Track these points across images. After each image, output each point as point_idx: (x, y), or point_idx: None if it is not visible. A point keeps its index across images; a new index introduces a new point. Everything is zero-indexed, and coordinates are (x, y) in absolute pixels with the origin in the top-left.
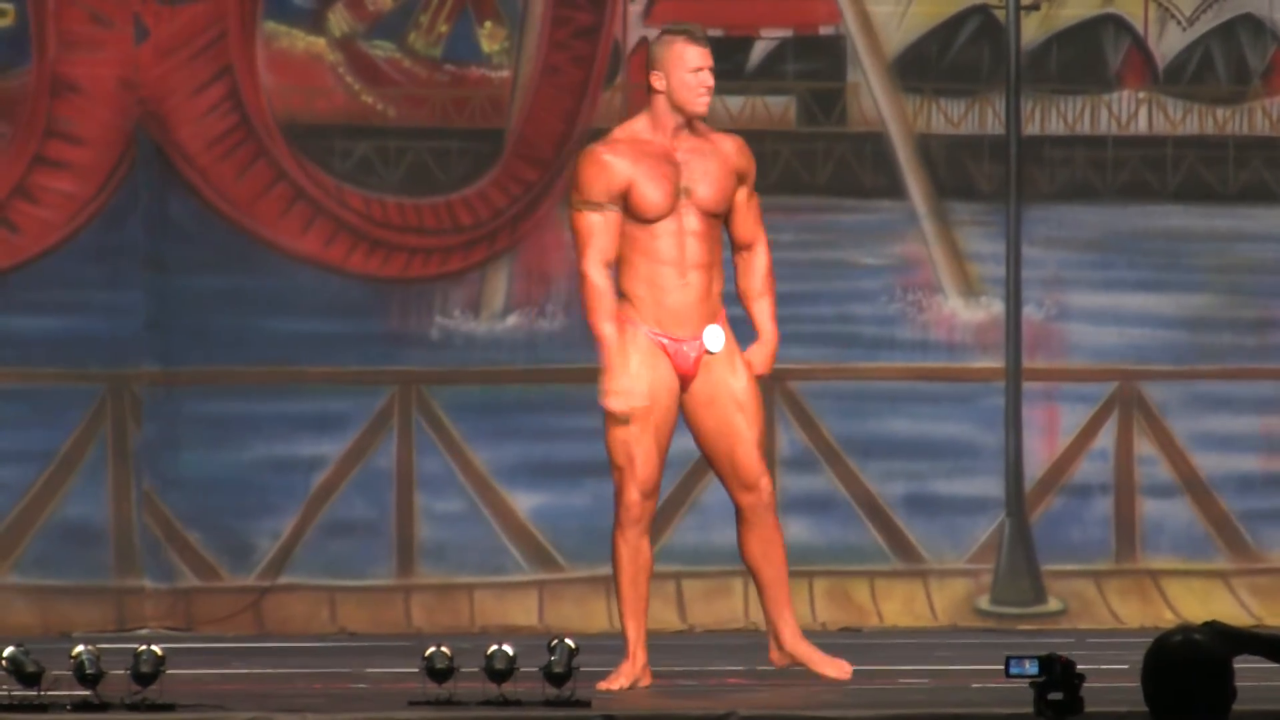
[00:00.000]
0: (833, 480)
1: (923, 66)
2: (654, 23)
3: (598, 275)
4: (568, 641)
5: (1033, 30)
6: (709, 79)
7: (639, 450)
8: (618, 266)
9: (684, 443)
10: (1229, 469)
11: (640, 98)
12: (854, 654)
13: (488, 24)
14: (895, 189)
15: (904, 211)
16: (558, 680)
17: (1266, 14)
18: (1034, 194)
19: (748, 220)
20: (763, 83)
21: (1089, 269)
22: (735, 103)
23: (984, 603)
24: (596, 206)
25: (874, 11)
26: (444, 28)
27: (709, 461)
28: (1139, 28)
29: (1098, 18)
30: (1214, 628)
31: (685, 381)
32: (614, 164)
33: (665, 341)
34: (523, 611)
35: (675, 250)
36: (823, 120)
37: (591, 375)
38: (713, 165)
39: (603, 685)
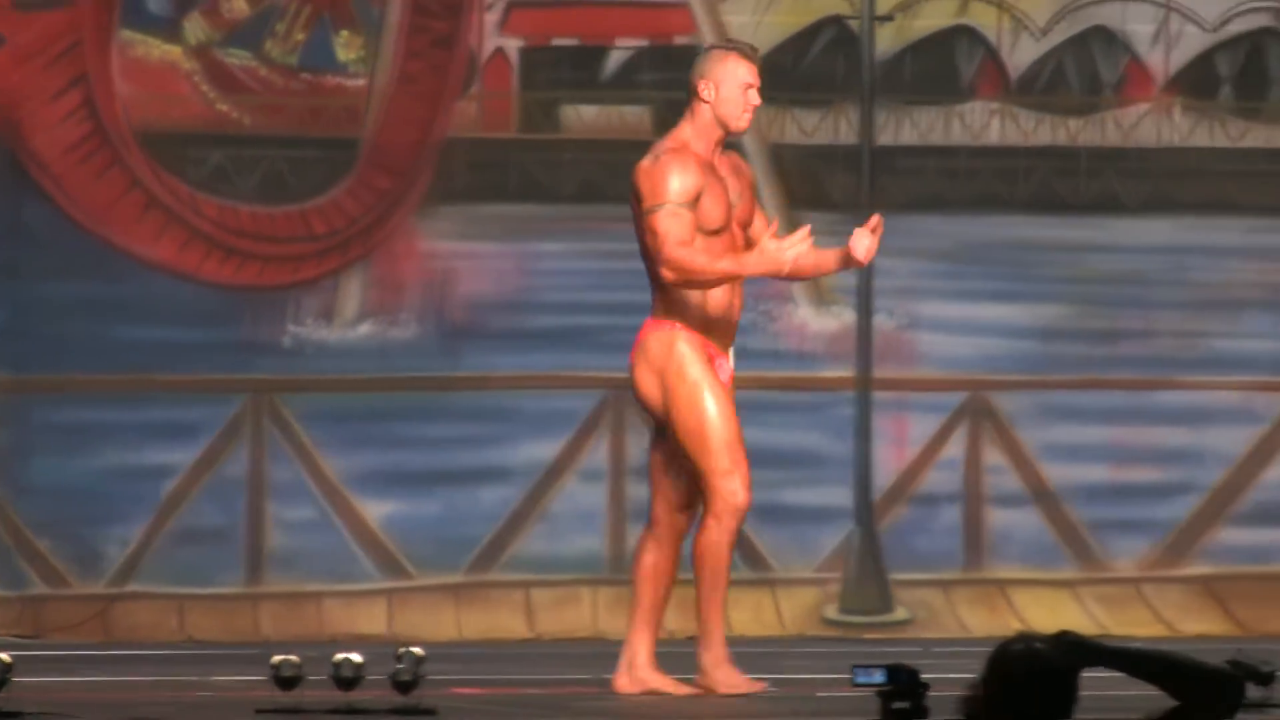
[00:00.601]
0: None
1: (777, 76)
2: (510, 32)
3: (681, 250)
4: (415, 650)
5: (887, 41)
6: (756, 98)
7: (740, 449)
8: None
9: (535, 452)
10: (1078, 479)
11: (498, 106)
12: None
13: (344, 33)
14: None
15: None
16: (405, 688)
17: (1119, 25)
18: (886, 204)
19: (757, 214)
20: (618, 92)
21: (940, 279)
22: (590, 112)
23: (832, 612)
24: (678, 206)
25: (729, 21)
26: (300, 36)
27: (670, 465)
28: (992, 39)
29: (951, 29)
30: (1066, 638)
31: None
32: (689, 169)
33: (712, 353)
34: (371, 620)
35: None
36: None
37: (444, 384)
38: (742, 183)
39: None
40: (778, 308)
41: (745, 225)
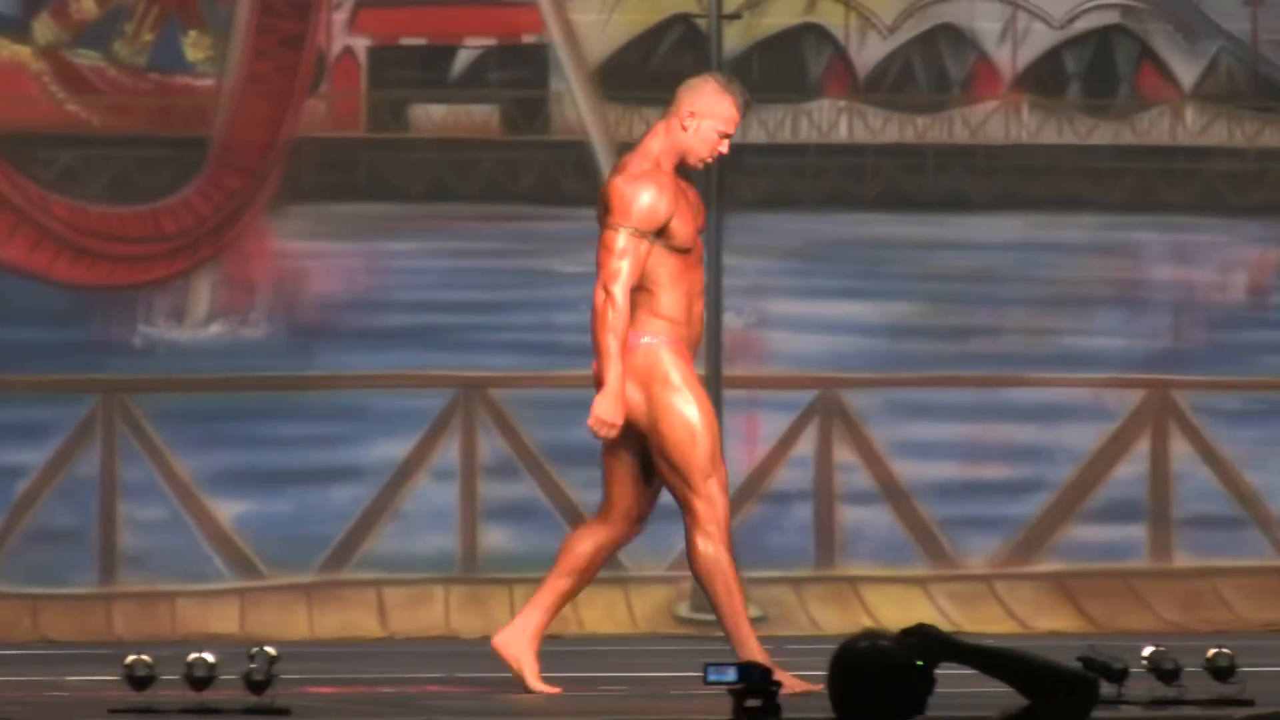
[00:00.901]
0: (534, 489)
1: (625, 75)
2: (359, 31)
3: (623, 299)
4: (268, 649)
5: (734, 39)
6: (726, 147)
7: (721, 457)
8: (659, 293)
9: (386, 451)
10: (928, 476)
11: (347, 106)
12: (555, 662)
13: (192, 33)
14: (597, 197)
15: None
16: (258, 688)
17: (966, 23)
18: (735, 202)
19: None
20: (466, 91)
21: (789, 277)
22: (438, 111)
23: (684, 610)
24: (641, 235)
25: (577, 20)
26: (149, 36)
27: (626, 472)
28: (840, 37)
29: (799, 27)
30: (923, 632)
31: None
32: (661, 197)
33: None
34: (224, 619)
35: (699, 281)
36: (526, 129)
37: (295, 383)
38: (696, 196)
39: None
40: None
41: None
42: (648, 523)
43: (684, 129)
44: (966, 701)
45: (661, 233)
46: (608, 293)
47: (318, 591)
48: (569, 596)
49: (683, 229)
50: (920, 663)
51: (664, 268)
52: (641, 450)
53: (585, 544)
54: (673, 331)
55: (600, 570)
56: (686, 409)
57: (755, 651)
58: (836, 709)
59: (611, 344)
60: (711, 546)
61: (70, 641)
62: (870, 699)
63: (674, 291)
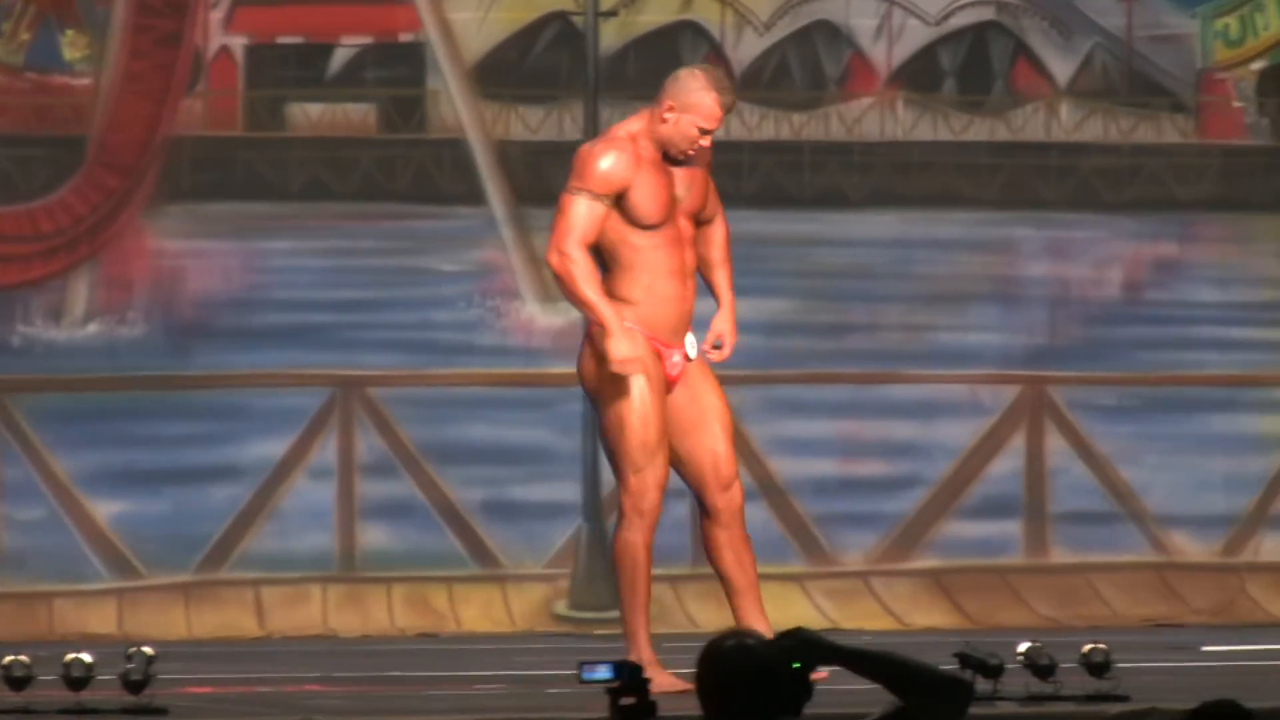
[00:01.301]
0: (412, 486)
1: (502, 73)
2: (236, 30)
3: (578, 252)
4: (145, 649)
5: (611, 37)
6: (707, 142)
7: (660, 449)
8: (618, 274)
9: (264, 450)
10: (805, 473)
11: (224, 104)
12: (431, 660)
13: (70, 32)
14: (474, 195)
15: (483, 218)
16: (135, 688)
17: (842, 20)
18: None
19: (710, 202)
20: (343, 89)
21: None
22: (315, 110)
23: (561, 607)
24: (592, 196)
25: (454, 19)
26: (26, 36)
27: (681, 464)
28: (716, 34)
29: (675, 24)
30: (798, 635)
31: (669, 387)
32: (619, 162)
33: (660, 348)
34: (102, 619)
35: (675, 259)
36: (403, 127)
37: (173, 382)
38: (695, 172)
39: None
40: (505, 304)
41: (696, 216)
42: (738, 481)
43: (664, 121)
44: (844, 700)
45: (622, 204)
46: (561, 253)
47: (196, 591)
48: (752, 590)
49: (647, 203)
50: (797, 665)
51: (626, 246)
52: (682, 428)
53: (713, 545)
54: (634, 314)
55: (743, 544)
56: (620, 399)
57: (643, 648)
58: (704, 707)
59: (587, 293)
60: (627, 535)
61: None
62: (736, 697)
63: (635, 271)
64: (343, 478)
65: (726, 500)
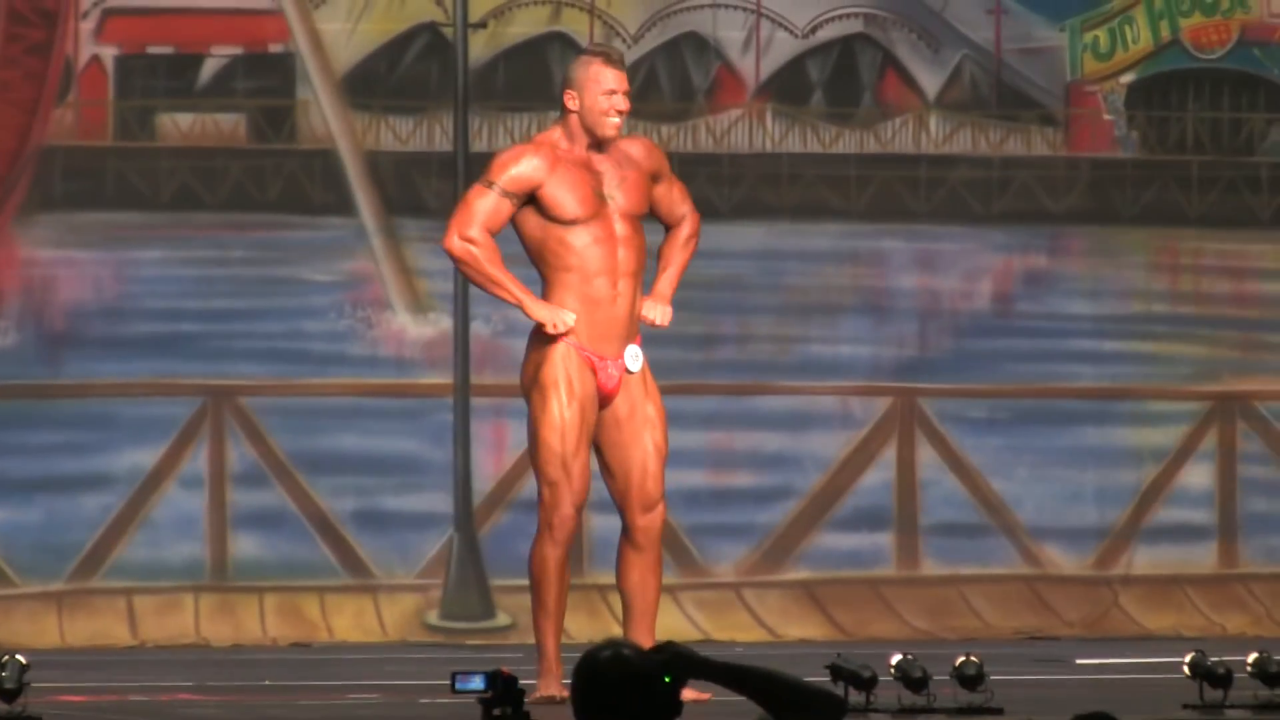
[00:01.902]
0: (283, 496)
1: (372, 84)
2: (106, 40)
3: (481, 235)
4: (19, 657)
5: (480, 48)
6: (621, 103)
7: (575, 464)
8: (549, 277)
9: (135, 459)
10: (676, 484)
11: (94, 114)
12: (303, 670)
13: None
14: (345, 206)
15: (353, 228)
16: (9, 696)
17: (710, 32)
18: None
19: (672, 205)
20: (213, 100)
21: (536, 285)
22: (185, 120)
23: (433, 617)
24: (497, 191)
25: (323, 29)
26: None
27: (609, 477)
28: (585, 45)
29: (544, 35)
30: (670, 649)
31: (605, 399)
32: (528, 161)
33: (594, 360)
34: None
35: (608, 259)
36: (272, 137)
37: (44, 391)
38: (629, 172)
39: (535, 697)
40: (376, 314)
41: (638, 211)
42: (663, 503)
43: (572, 110)
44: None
45: (539, 202)
46: (463, 237)
47: (68, 599)
48: (648, 614)
49: (564, 198)
50: (668, 679)
51: (553, 241)
52: (613, 442)
53: (624, 564)
54: (577, 321)
55: (653, 568)
56: (538, 412)
57: (550, 660)
58: (578, 716)
59: (493, 270)
60: (537, 547)
61: None
62: (611, 707)
63: (565, 271)
64: (214, 487)
65: (647, 521)
